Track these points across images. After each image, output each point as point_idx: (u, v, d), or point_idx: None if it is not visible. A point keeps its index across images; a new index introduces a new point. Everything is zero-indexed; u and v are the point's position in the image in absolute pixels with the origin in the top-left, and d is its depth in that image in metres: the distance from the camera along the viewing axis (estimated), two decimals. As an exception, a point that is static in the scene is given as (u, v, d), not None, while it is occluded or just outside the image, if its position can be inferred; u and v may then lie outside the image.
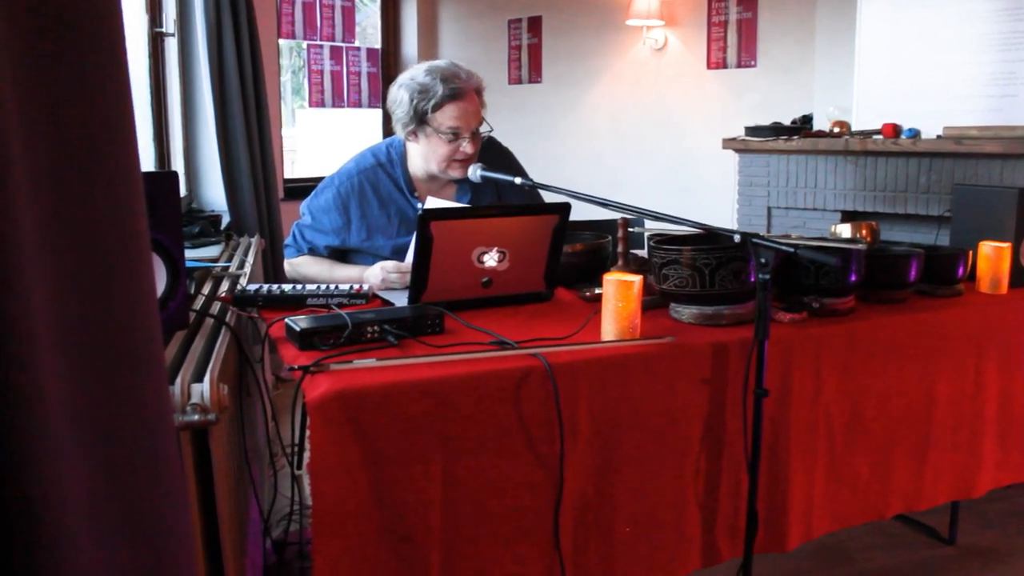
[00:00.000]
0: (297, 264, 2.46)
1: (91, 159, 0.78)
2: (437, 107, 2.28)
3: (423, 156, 2.38)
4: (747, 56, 5.01)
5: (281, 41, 5.32)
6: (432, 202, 2.28)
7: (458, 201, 2.43)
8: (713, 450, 1.79)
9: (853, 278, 1.95)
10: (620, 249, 2.08)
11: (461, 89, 2.29)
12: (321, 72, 5.70)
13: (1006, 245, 2.27)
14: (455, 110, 2.28)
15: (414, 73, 2.35)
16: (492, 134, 2.48)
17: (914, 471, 2.09)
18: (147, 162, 3.26)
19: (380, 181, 2.41)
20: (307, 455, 1.43)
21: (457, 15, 6.24)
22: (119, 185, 0.81)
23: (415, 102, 2.29)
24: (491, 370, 1.55)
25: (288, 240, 2.50)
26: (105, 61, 0.79)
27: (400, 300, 1.99)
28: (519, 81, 6.01)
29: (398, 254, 2.34)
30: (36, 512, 0.67)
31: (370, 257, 2.40)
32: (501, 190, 2.49)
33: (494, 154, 2.53)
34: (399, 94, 2.34)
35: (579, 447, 1.63)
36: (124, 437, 0.83)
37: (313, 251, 2.44)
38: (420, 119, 2.31)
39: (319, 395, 1.41)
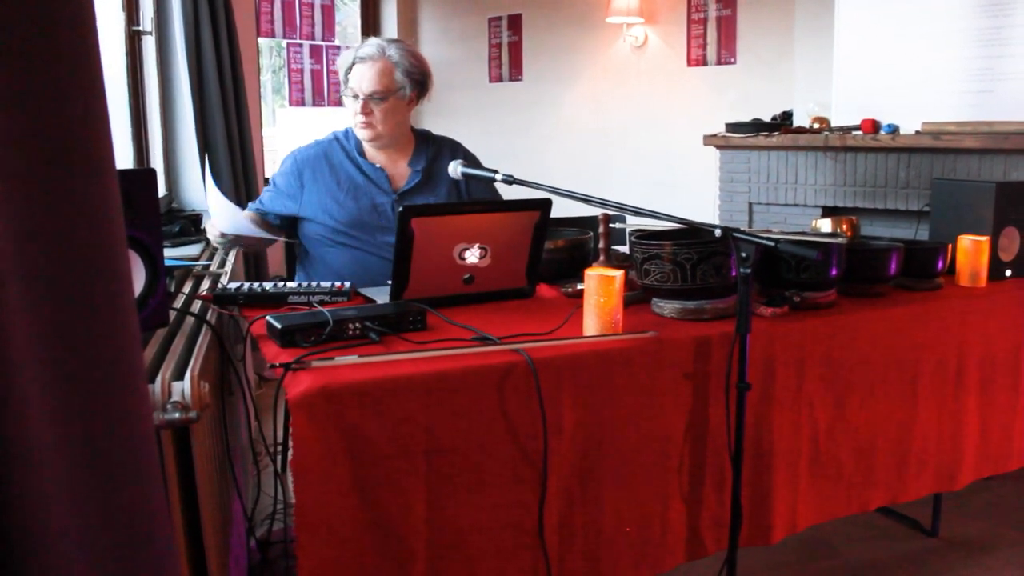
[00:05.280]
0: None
1: (64, 156, 0.77)
2: (348, 70, 2.54)
3: None
4: (727, 53, 5.03)
5: (261, 40, 5.28)
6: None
7: (411, 168, 2.57)
8: (697, 444, 1.80)
9: (834, 272, 1.96)
10: (602, 245, 2.08)
11: (365, 55, 2.51)
12: (301, 71, 5.67)
13: (984, 239, 2.29)
14: (355, 73, 2.51)
15: None
16: (463, 135, 2.59)
17: (897, 463, 2.10)
18: (126, 163, 3.23)
19: (334, 152, 2.60)
20: (290, 454, 1.43)
21: (437, 13, 6.23)
22: (93, 182, 0.80)
23: (342, 69, 2.57)
24: (473, 366, 1.54)
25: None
26: (78, 58, 0.78)
27: (382, 297, 1.99)
28: (500, 79, 6.00)
29: (351, 225, 2.48)
30: (17, 513, 0.66)
31: (328, 242, 2.51)
32: (468, 183, 2.58)
33: (460, 156, 2.58)
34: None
35: (563, 442, 1.63)
36: (103, 436, 0.82)
37: (261, 213, 2.57)
38: (344, 83, 2.55)
39: (301, 392, 1.40)
